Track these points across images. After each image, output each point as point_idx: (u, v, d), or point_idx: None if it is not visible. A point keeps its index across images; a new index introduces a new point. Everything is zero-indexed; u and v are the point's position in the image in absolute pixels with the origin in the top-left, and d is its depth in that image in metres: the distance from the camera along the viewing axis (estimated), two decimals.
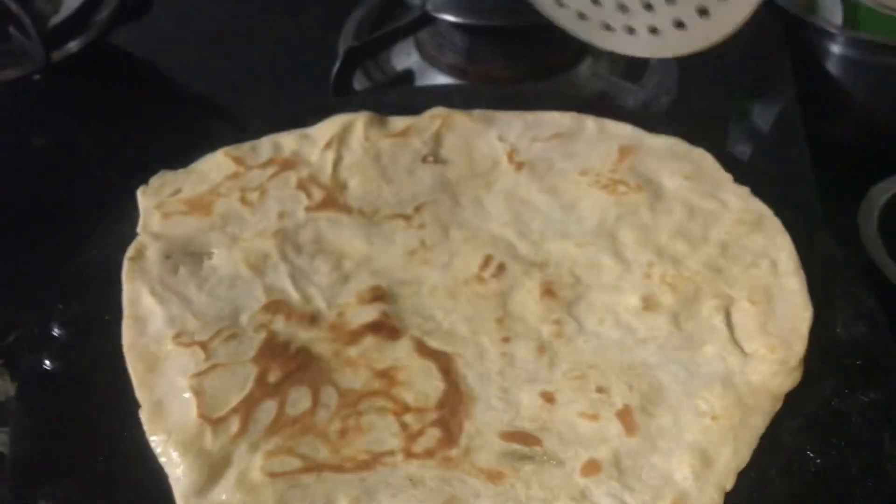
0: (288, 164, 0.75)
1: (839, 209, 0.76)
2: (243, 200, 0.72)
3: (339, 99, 0.96)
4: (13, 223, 0.87)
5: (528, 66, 1.04)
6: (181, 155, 0.75)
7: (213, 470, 0.55)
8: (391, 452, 0.57)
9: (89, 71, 1.05)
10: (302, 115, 0.79)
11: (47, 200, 0.89)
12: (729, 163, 0.74)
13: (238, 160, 0.75)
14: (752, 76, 0.93)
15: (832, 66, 0.89)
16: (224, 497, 0.54)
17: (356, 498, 0.54)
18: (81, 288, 0.66)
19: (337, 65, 0.98)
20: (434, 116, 0.79)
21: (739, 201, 0.71)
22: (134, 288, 0.65)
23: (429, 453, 0.57)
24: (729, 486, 0.55)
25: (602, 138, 0.78)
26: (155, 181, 0.73)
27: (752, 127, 0.85)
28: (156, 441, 0.57)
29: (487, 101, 0.81)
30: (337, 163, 0.75)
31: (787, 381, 0.59)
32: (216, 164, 0.74)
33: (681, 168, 0.74)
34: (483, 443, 0.57)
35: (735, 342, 0.62)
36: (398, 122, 0.79)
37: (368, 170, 0.75)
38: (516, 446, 0.57)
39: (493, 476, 0.56)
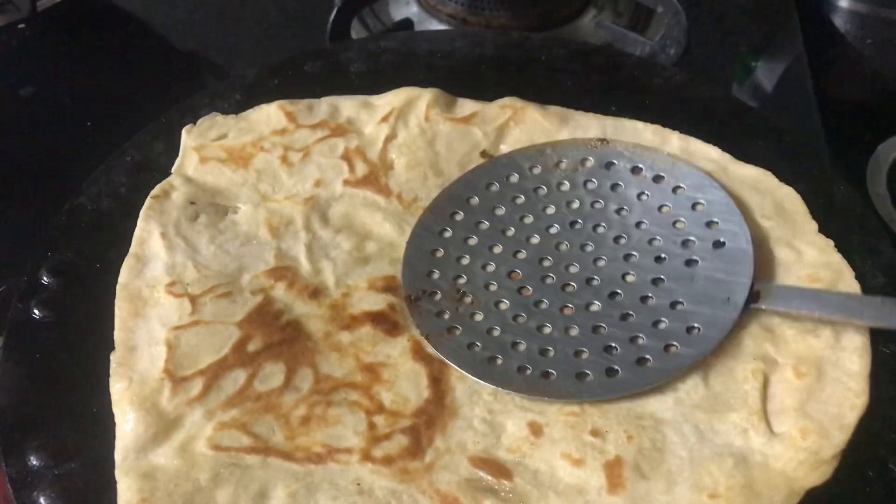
0: (339, 131, 0.71)
1: (847, 167, 0.75)
2: (284, 160, 0.69)
3: (336, 44, 0.92)
4: (3, 171, 0.86)
5: (530, 16, 0.97)
6: (170, 104, 0.74)
7: (160, 429, 0.53)
8: (348, 451, 0.53)
9: (75, 21, 1.03)
10: (299, 60, 0.77)
11: (35, 152, 0.87)
12: (741, 108, 0.73)
13: (291, 116, 0.72)
14: (758, 32, 0.88)
15: (839, 22, 0.86)
16: (162, 461, 0.51)
17: (294, 492, 0.50)
18: (71, 236, 0.65)
19: (334, 11, 0.94)
20: (504, 107, 0.73)
21: (819, 255, 0.61)
22: (147, 227, 0.63)
23: (387, 460, 0.52)
24: None
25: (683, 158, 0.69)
26: (204, 122, 0.71)
27: (756, 84, 0.76)
28: (116, 389, 0.55)
29: (493, 47, 0.79)
30: (389, 139, 0.70)
31: (811, 475, 0.51)
32: (267, 116, 0.72)
33: (762, 205, 0.65)
34: (449, 463, 0.52)
35: (764, 416, 0.53)
36: (465, 106, 0.74)
37: (419, 153, 0.70)
38: (483, 475, 0.52)
39: (448, 502, 0.50)
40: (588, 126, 0.72)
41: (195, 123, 0.71)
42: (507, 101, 0.73)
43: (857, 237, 0.63)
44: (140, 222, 0.64)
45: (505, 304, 0.60)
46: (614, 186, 0.65)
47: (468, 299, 0.60)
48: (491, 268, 0.62)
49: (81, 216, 0.66)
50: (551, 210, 0.65)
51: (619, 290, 0.59)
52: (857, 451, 0.52)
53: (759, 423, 0.53)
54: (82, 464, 0.52)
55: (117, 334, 0.58)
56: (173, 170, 0.68)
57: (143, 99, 0.86)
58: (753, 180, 0.67)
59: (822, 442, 0.51)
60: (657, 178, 0.65)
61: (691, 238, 0.61)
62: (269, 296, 0.60)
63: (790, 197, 0.66)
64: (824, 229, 0.63)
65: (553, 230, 0.64)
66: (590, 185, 0.66)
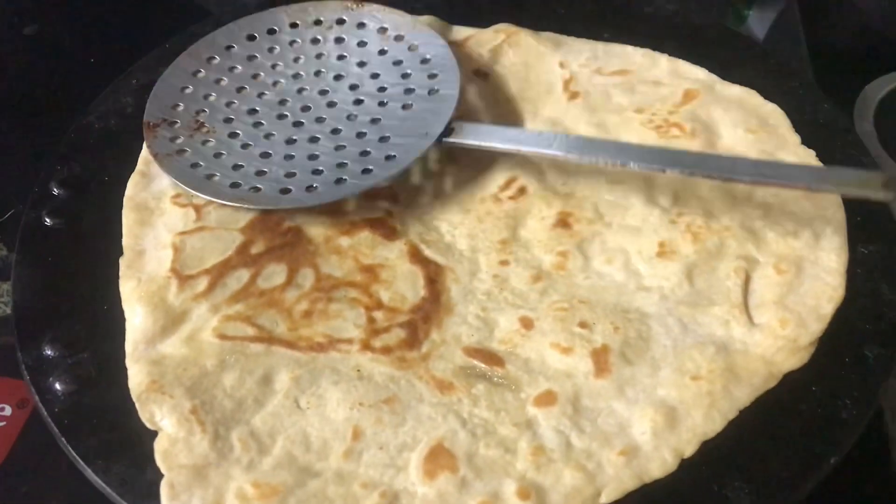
0: None
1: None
2: None
3: None
4: (7, 109, 0.88)
5: None
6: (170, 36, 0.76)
7: (167, 322, 0.55)
8: (349, 341, 0.55)
9: None
10: None
11: (40, 88, 0.89)
12: (730, 34, 0.76)
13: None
14: None
15: None
16: (170, 350, 0.54)
17: (297, 377, 0.53)
18: (80, 152, 0.67)
19: None
20: (499, 31, 0.75)
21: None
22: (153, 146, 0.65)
23: (386, 350, 0.55)
24: (688, 452, 0.50)
25: (672, 79, 0.71)
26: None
27: (748, 33, 0.78)
28: (125, 288, 0.57)
29: None
30: None
31: (789, 359, 0.53)
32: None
33: (746, 120, 0.67)
34: (444, 353, 0.55)
35: (746, 309, 0.56)
36: (460, 32, 0.76)
37: None
38: (477, 363, 0.54)
39: (444, 386, 0.53)
40: (580, 50, 0.74)
41: None
42: (501, 26, 0.76)
43: (840, 150, 0.66)
44: (146, 144, 0.65)
45: (238, 135, 0.65)
46: (361, 43, 0.72)
47: (205, 129, 0.65)
48: (234, 105, 0.68)
49: (89, 134, 0.68)
50: (301, 60, 0.71)
51: (341, 127, 0.66)
52: (835, 339, 0.55)
53: (740, 315, 0.55)
54: (94, 354, 0.55)
55: (125, 240, 0.60)
56: None
57: (146, 35, 0.87)
58: (739, 98, 0.69)
59: (800, 330, 0.54)
60: (398, 38, 0.71)
61: (412, 87, 0.67)
62: None
63: (774, 113, 0.68)
64: (807, 142, 0.66)
65: (299, 77, 0.70)
66: (340, 42, 0.72)
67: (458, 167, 0.67)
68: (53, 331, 0.56)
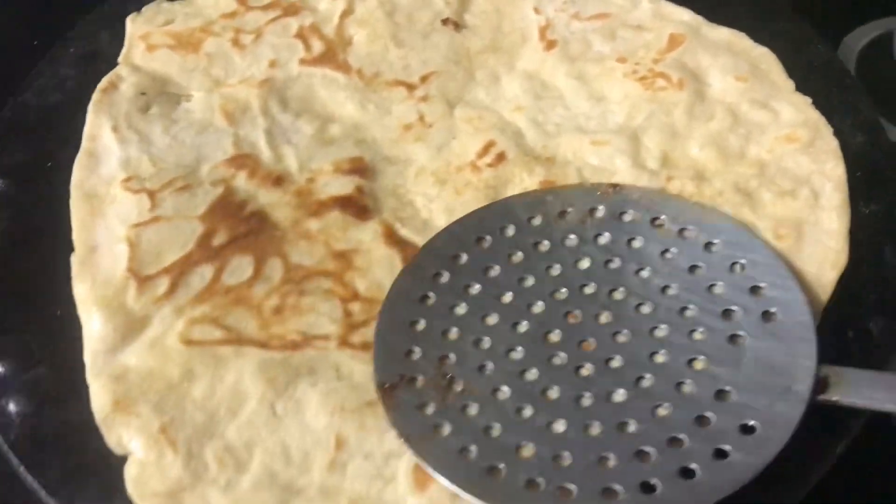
0: (292, 10, 0.68)
1: None
2: (235, 42, 0.65)
3: None
4: None
5: None
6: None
7: (128, 329, 0.51)
8: (325, 337, 0.51)
9: None
10: None
11: None
12: None
13: None
14: None
15: None
16: (133, 361, 0.50)
17: (272, 378, 0.49)
18: (19, 134, 0.62)
19: None
20: None
21: (795, 114, 0.60)
22: (97, 122, 0.60)
23: (366, 346, 0.51)
24: None
25: (655, 22, 0.67)
26: (148, 10, 0.67)
27: None
28: (79, 290, 0.53)
29: None
30: (346, 14, 0.67)
31: None
32: (215, 0, 0.68)
33: (736, 67, 0.62)
34: None
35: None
36: None
37: (378, 25, 0.66)
38: None
39: None
40: None
41: (139, 12, 0.67)
42: None
43: (837, 95, 0.62)
44: (89, 117, 0.60)
45: (504, 393, 0.47)
46: (631, 241, 0.53)
47: (458, 387, 0.48)
48: (485, 344, 0.49)
49: (28, 113, 0.63)
50: (556, 271, 0.52)
51: (646, 374, 0.47)
52: (838, 311, 0.51)
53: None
54: (51, 367, 0.51)
55: (76, 234, 0.55)
56: (120, 60, 0.64)
57: None
58: (727, 42, 0.65)
59: None
60: (683, 232, 0.53)
61: (733, 308, 0.49)
62: (231, 186, 0.58)
63: (766, 57, 0.64)
64: (802, 88, 0.62)
65: (560, 296, 0.51)
66: (601, 240, 0.53)
67: (427, 129, 0.62)
68: (4, 344, 0.51)
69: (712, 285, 0.50)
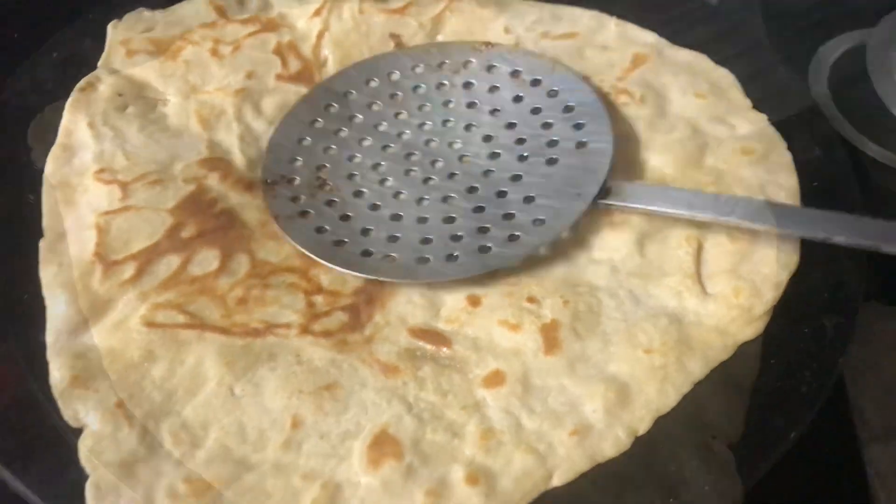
0: (271, 25, 0.70)
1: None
2: (214, 52, 0.67)
3: None
4: None
5: None
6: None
7: (92, 310, 0.52)
8: (287, 325, 0.52)
9: None
10: None
11: None
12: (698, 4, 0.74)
13: (220, 10, 0.70)
14: None
15: None
16: (94, 340, 0.50)
17: (231, 363, 0.50)
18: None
19: None
20: None
21: (752, 128, 0.62)
22: (74, 118, 0.62)
23: (326, 333, 0.52)
24: (643, 429, 0.48)
25: (620, 43, 0.69)
26: (130, 17, 0.69)
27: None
28: (46, 273, 0.53)
29: None
30: (322, 33, 0.69)
31: (744, 330, 0.52)
32: (196, 10, 0.70)
33: (696, 85, 0.65)
34: (389, 335, 0.52)
35: (698, 279, 0.54)
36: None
37: (352, 50, 0.69)
38: (423, 344, 0.52)
39: (388, 370, 0.50)
40: (526, 13, 0.72)
41: (121, 19, 0.69)
42: None
43: (795, 113, 0.64)
44: (66, 114, 0.62)
45: (364, 195, 0.59)
46: (492, 89, 0.65)
47: (328, 188, 0.60)
48: (357, 159, 0.61)
49: (5, 112, 0.64)
50: (427, 108, 0.64)
51: (478, 185, 0.59)
52: (792, 308, 0.53)
53: (693, 285, 0.54)
54: (16, 346, 0.51)
55: (46, 221, 0.56)
56: (100, 63, 0.66)
57: (65, 4, 0.80)
58: (688, 63, 0.67)
59: (755, 300, 0.52)
60: (535, 82, 0.64)
61: (556, 138, 0.60)
62: (203, 184, 0.59)
63: (725, 78, 0.66)
64: (760, 107, 0.64)
65: (426, 127, 0.63)
66: (469, 87, 0.65)
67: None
68: None
69: (547, 124, 0.61)
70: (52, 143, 0.61)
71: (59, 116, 0.62)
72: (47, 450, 0.46)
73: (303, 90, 0.66)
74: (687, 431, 0.48)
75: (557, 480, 0.46)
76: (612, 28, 0.70)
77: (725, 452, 0.47)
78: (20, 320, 0.52)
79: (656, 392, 0.49)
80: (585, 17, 0.71)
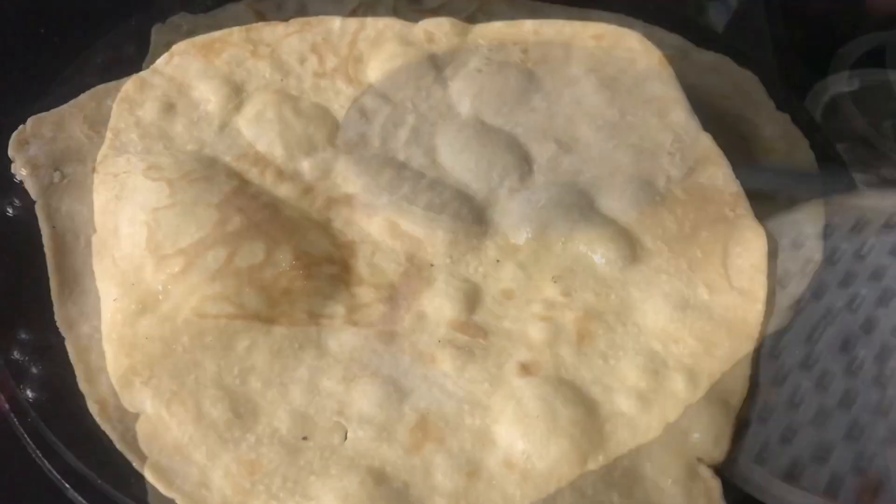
0: (308, 26, 0.72)
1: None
2: (253, 53, 0.69)
3: None
4: None
5: None
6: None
7: (144, 302, 0.54)
8: (330, 316, 0.54)
9: None
10: None
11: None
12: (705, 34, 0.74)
13: (259, 14, 0.72)
14: None
15: None
16: (147, 330, 0.53)
17: (279, 350, 0.52)
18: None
19: None
20: None
21: (776, 128, 0.64)
22: (120, 119, 0.64)
23: (368, 324, 0.54)
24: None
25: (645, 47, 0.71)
26: (174, 21, 0.72)
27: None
28: (99, 268, 0.56)
29: None
30: (357, 32, 0.71)
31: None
32: (235, 15, 0.72)
33: (721, 86, 0.67)
34: (427, 326, 0.55)
35: (725, 273, 0.56)
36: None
37: (387, 45, 0.71)
38: (460, 335, 0.54)
39: (427, 359, 0.53)
40: (556, 16, 0.73)
41: (164, 23, 0.72)
42: None
43: (816, 113, 0.66)
44: (113, 113, 0.64)
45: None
46: None
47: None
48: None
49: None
50: None
51: None
52: None
53: (720, 279, 0.56)
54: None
55: (97, 218, 0.59)
56: (144, 65, 0.68)
57: (105, 8, 0.80)
58: (713, 64, 0.70)
59: (781, 292, 0.54)
60: None
61: None
62: (245, 180, 0.61)
63: (749, 79, 0.68)
64: (783, 107, 0.66)
65: None
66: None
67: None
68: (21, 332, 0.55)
69: None
70: (32, 154, 0.62)
71: (42, 127, 0.64)
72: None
73: (340, 87, 0.68)
74: (671, 454, 0.49)
75: (593, 464, 0.48)
76: (639, 30, 0.72)
77: (711, 479, 0.49)
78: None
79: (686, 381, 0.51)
80: (613, 20, 0.73)
